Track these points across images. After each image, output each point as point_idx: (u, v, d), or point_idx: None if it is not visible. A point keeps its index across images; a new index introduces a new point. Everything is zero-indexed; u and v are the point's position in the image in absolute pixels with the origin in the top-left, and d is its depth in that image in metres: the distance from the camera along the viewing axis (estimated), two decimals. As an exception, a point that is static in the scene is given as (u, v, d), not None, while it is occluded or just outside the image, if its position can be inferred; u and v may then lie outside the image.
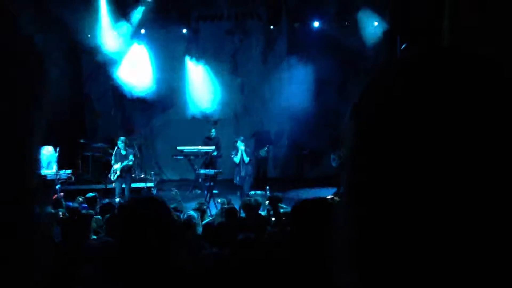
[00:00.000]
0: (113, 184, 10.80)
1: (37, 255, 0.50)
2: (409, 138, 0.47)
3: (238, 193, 10.60)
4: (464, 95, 0.46)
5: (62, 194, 10.36)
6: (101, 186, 11.28)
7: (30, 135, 0.50)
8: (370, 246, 0.50)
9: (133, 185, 11.92)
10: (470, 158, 0.45)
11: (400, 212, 0.47)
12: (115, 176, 10.69)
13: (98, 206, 7.33)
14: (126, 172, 10.74)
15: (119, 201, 9.48)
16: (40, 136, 0.52)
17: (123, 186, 10.73)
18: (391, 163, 0.48)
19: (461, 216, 0.45)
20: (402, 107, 0.48)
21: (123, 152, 10.75)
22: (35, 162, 0.52)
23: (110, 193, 10.66)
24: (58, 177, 11.24)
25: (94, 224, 5.62)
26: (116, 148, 11.06)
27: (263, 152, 12.93)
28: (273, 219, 6.51)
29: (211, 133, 12.81)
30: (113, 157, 10.98)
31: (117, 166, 10.67)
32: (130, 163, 10.79)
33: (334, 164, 11.43)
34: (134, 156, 11.23)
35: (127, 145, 11.05)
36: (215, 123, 13.05)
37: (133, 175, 12.32)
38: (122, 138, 11.05)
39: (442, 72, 0.48)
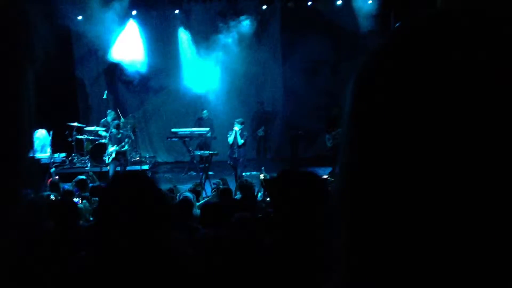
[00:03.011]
0: (108, 167, 10.78)
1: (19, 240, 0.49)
2: (415, 114, 0.43)
3: (233, 174, 10.61)
4: (476, 59, 0.42)
5: (57, 177, 10.35)
6: (96, 169, 11.26)
7: (21, 112, 0.48)
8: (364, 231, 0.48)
9: (128, 168, 11.93)
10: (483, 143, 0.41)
11: (396, 200, 0.45)
12: (110, 159, 10.68)
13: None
14: (121, 155, 10.74)
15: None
16: (31, 116, 0.49)
17: (118, 169, 10.72)
18: (392, 144, 0.45)
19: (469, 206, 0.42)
20: (408, 79, 0.44)
21: (118, 136, 10.74)
22: (27, 144, 0.50)
23: (105, 176, 10.65)
24: (52, 160, 11.22)
25: (81, 206, 5.59)
26: (110, 132, 11.03)
27: (260, 132, 12.97)
28: (268, 199, 6.54)
29: (203, 115, 12.79)
30: (107, 140, 10.97)
31: (112, 149, 10.66)
32: (126, 147, 10.79)
33: (329, 144, 11.45)
34: (129, 138, 11.22)
35: (121, 128, 11.04)
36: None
37: (128, 158, 12.32)
38: (115, 122, 11.03)
39: (450, 36, 0.44)
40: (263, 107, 13.52)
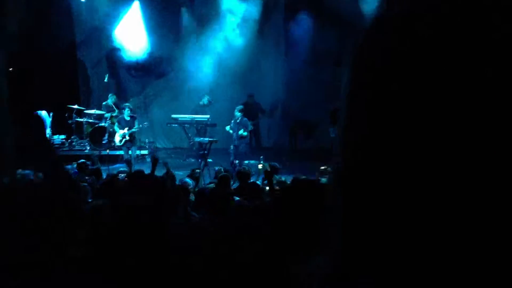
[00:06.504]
0: (122, 149, 11.11)
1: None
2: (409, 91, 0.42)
3: (236, 162, 10.57)
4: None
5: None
6: (95, 152, 11.26)
7: None
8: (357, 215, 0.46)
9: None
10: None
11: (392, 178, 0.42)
12: (123, 141, 10.92)
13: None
14: (133, 138, 11.06)
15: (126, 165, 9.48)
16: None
17: (130, 152, 11.02)
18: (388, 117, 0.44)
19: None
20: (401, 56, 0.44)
21: (127, 118, 10.87)
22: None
23: (103, 159, 10.66)
24: (52, 142, 11.23)
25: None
26: (119, 115, 11.20)
27: (249, 127, 12.84)
28: (267, 188, 6.53)
29: (203, 101, 12.73)
30: (116, 123, 11.22)
31: (124, 131, 10.91)
32: (136, 129, 11.09)
33: (333, 135, 11.43)
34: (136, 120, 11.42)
35: (132, 112, 11.35)
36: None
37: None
38: (127, 104, 11.43)
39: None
40: (254, 99, 13.27)
